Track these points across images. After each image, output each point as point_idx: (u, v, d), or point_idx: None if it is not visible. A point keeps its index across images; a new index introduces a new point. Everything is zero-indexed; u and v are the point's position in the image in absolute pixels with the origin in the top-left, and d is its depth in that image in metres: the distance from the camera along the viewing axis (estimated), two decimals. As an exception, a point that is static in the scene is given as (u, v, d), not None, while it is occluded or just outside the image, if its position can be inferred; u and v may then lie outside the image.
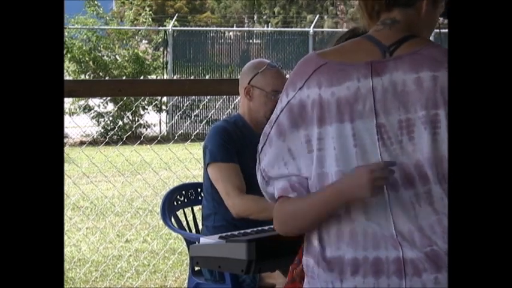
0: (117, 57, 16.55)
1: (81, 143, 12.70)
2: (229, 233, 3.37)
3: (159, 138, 10.10)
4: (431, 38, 2.13)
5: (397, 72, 1.96)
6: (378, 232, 1.96)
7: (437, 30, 2.15)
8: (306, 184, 2.04)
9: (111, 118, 15.46)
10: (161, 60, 17.00)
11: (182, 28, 18.91)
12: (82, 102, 14.98)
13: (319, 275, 2.01)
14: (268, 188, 2.10)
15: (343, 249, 1.99)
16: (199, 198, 4.19)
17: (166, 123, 16.31)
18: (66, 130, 13.64)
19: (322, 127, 2.00)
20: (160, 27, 18.09)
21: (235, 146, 3.72)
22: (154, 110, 16.11)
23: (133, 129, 14.34)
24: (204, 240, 3.34)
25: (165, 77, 16.55)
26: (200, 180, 4.04)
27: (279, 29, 24.18)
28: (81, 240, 7.00)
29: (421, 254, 1.93)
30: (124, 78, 15.65)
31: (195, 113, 15.29)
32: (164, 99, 16.05)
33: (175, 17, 17.85)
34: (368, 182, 1.92)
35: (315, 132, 2.00)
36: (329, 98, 1.99)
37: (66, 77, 14.69)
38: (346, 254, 1.99)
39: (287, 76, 3.75)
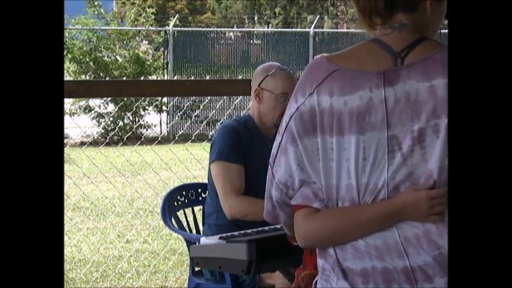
0: (118, 57, 16.55)
1: (82, 144, 12.70)
2: (229, 234, 3.37)
3: (159, 138, 10.11)
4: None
5: (410, 81, 1.92)
6: (380, 243, 1.95)
7: (437, 31, 2.14)
8: (323, 193, 2.00)
9: (111, 119, 15.47)
10: (162, 60, 17.00)
11: (183, 29, 18.88)
12: (82, 102, 14.99)
13: (336, 282, 2.00)
14: (288, 201, 2.05)
15: (349, 260, 1.98)
16: (200, 198, 4.19)
17: (167, 123, 16.31)
18: (66, 131, 13.64)
19: (333, 137, 1.95)
20: (161, 28, 18.09)
21: (242, 147, 3.73)
22: (154, 111, 16.11)
23: (133, 129, 14.33)
24: (204, 240, 3.35)
25: (165, 78, 16.56)
26: (200, 180, 4.05)
27: (279, 29, 24.18)
28: (81, 240, 7.00)
29: (429, 258, 1.92)
30: (124, 78, 15.65)
31: (195, 114, 15.29)
32: (165, 99, 16.06)
33: (176, 17, 17.85)
34: (428, 209, 1.92)
35: (326, 141, 1.96)
36: (341, 107, 1.94)
37: (67, 78, 14.69)
38: (354, 266, 1.98)
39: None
